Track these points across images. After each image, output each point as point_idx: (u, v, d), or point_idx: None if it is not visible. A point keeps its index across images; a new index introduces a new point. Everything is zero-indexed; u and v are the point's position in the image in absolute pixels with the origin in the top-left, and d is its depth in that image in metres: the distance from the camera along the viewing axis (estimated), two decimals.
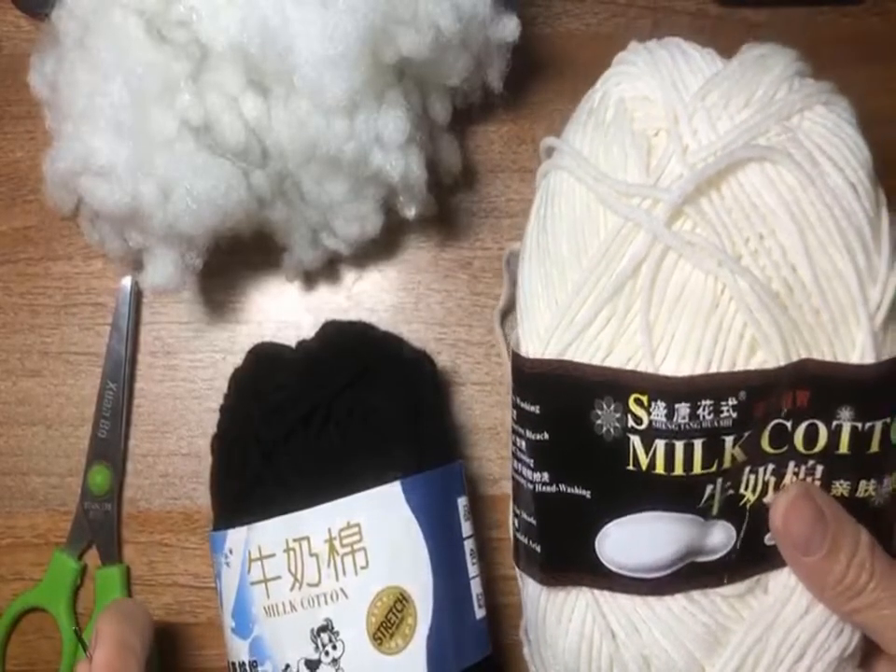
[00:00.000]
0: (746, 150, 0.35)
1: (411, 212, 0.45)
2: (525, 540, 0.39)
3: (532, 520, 0.39)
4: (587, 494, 0.36)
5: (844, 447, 0.36)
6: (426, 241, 0.50)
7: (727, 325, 0.35)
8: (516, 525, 0.40)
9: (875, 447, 0.36)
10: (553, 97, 0.50)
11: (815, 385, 0.35)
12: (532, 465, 0.38)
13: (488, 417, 0.49)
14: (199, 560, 0.48)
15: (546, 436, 0.37)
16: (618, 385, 0.35)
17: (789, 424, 0.35)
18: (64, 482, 0.49)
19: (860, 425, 0.35)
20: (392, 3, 0.40)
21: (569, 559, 0.37)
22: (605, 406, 0.35)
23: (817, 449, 0.36)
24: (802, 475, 0.36)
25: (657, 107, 0.36)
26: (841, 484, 0.36)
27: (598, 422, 0.36)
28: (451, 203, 0.49)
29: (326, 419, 0.41)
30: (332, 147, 0.41)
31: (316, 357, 0.43)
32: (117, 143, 0.41)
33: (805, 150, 0.35)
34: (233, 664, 0.41)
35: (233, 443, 0.42)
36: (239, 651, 0.41)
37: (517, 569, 0.41)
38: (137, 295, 0.49)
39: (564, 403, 0.37)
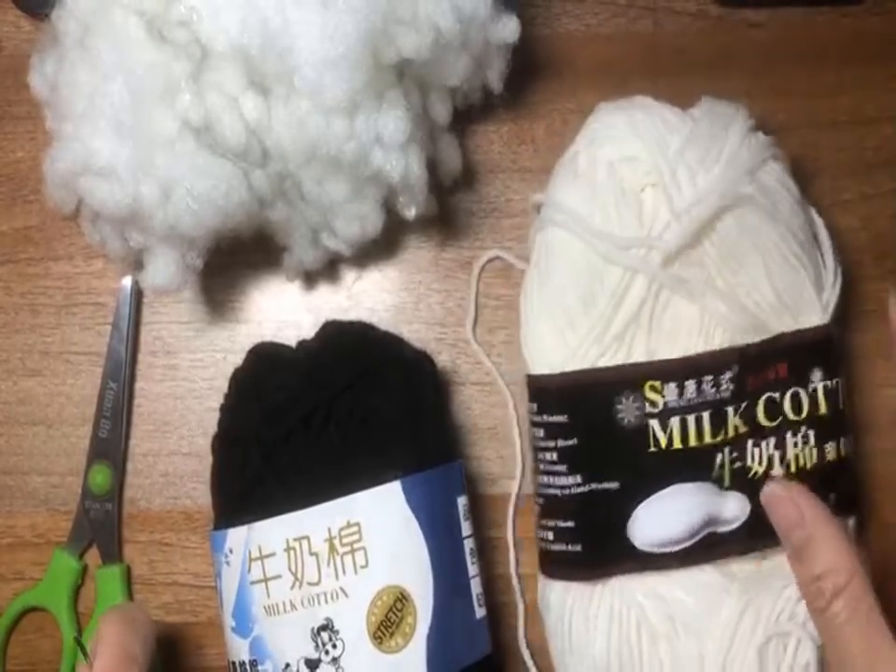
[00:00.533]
0: (725, 199, 0.41)
1: (411, 212, 0.45)
2: (563, 546, 0.43)
3: (570, 523, 0.42)
4: (617, 485, 0.42)
5: (823, 407, 0.42)
6: (426, 241, 0.50)
7: (715, 340, 0.42)
8: (550, 537, 0.43)
9: (842, 404, 0.43)
10: (552, 97, 0.50)
11: (790, 355, 0.42)
12: (565, 471, 0.42)
13: (488, 417, 0.49)
14: (199, 559, 0.48)
15: (575, 441, 0.42)
16: (634, 377, 0.41)
17: (777, 395, 0.42)
18: (65, 481, 0.49)
19: (829, 382, 0.43)
20: (392, 4, 0.40)
21: (607, 551, 0.42)
22: (624, 399, 0.41)
23: (804, 414, 0.42)
24: (800, 444, 0.42)
25: (643, 166, 0.42)
26: (830, 447, 0.42)
27: (620, 415, 0.41)
28: (451, 202, 0.50)
29: (326, 419, 0.41)
30: (332, 148, 0.41)
31: (317, 357, 0.43)
32: (117, 143, 0.41)
33: (766, 196, 0.42)
34: (234, 663, 0.41)
35: (234, 443, 0.42)
36: (239, 650, 0.41)
37: (541, 580, 0.44)
38: (138, 295, 0.49)
39: (589, 406, 0.42)
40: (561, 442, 0.42)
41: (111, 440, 0.48)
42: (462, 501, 0.43)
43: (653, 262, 0.41)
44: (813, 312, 0.43)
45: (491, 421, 0.49)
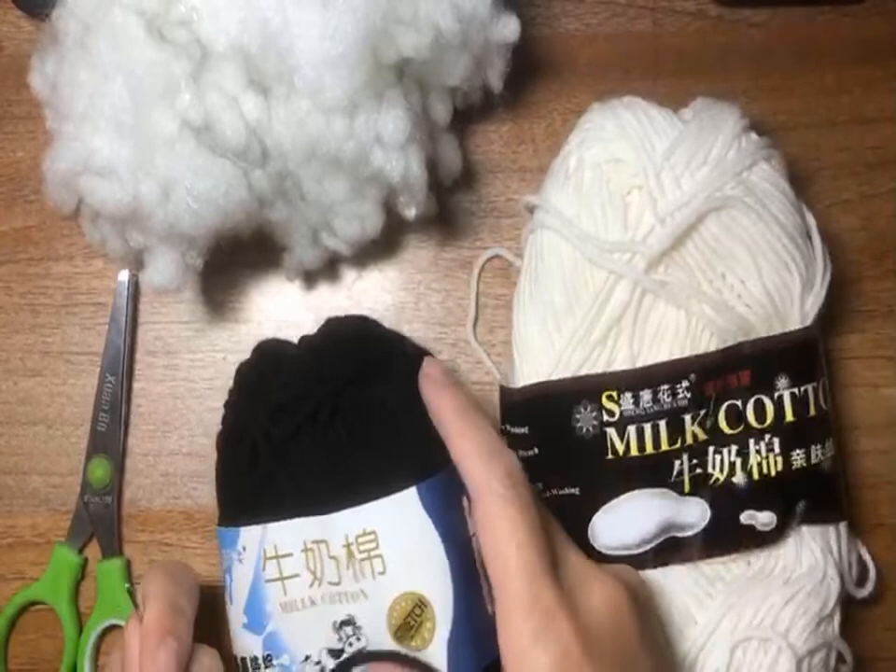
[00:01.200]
0: (709, 202, 0.41)
1: (411, 212, 0.45)
2: None
3: None
4: (576, 491, 0.42)
5: (789, 415, 0.42)
6: (426, 241, 0.50)
7: (701, 344, 0.42)
8: None
9: (812, 411, 0.42)
10: (552, 97, 0.50)
11: (753, 363, 0.42)
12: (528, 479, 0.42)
13: (488, 417, 0.49)
14: (199, 559, 0.48)
15: (536, 451, 0.43)
16: (591, 388, 0.42)
17: (739, 402, 0.42)
18: (65, 481, 0.49)
19: (797, 390, 0.42)
20: (392, 3, 0.40)
21: None
22: (582, 409, 0.42)
23: (768, 422, 0.42)
24: (763, 451, 0.42)
25: (629, 168, 0.42)
26: (798, 454, 0.42)
27: (578, 425, 0.42)
28: (451, 202, 0.50)
29: (333, 414, 0.40)
30: (332, 147, 0.41)
31: (320, 351, 0.43)
32: (117, 143, 0.41)
33: (755, 196, 0.42)
34: (243, 659, 0.41)
35: (241, 440, 0.42)
36: (251, 646, 0.40)
37: None
38: (135, 289, 0.49)
39: (548, 418, 0.43)
40: (522, 453, 0.43)
41: (110, 433, 0.48)
42: (465, 501, 0.43)
43: (637, 267, 0.41)
44: (796, 316, 0.43)
45: (491, 421, 0.48)
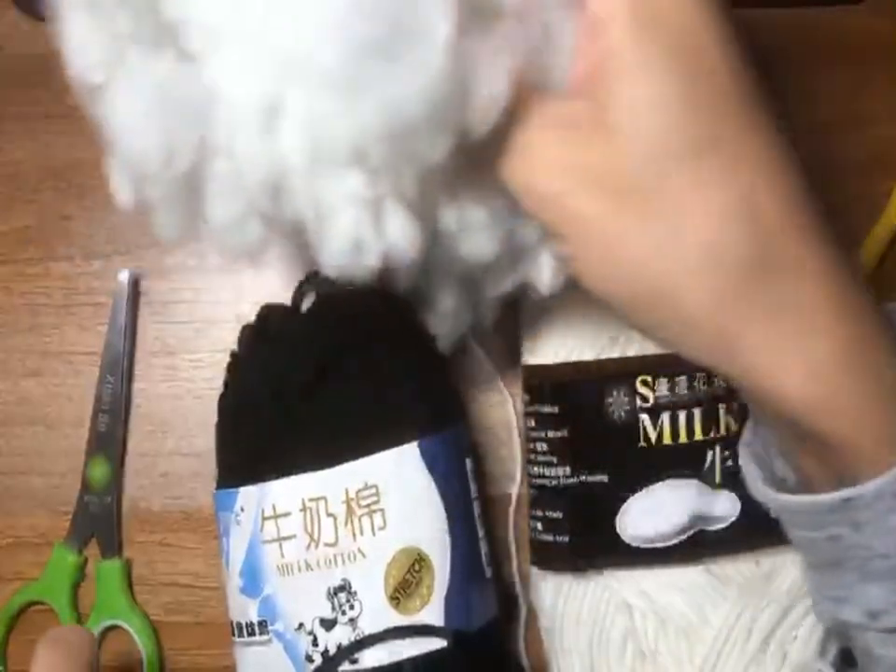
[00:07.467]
0: None
1: None
2: (551, 537, 0.43)
3: (558, 514, 0.43)
4: (605, 478, 0.42)
5: None
6: None
7: None
8: (539, 527, 0.44)
9: None
10: None
11: None
12: (555, 461, 0.43)
13: (488, 417, 0.49)
14: (199, 560, 0.48)
15: (566, 432, 0.42)
16: (626, 371, 0.42)
17: None
18: (65, 481, 0.49)
19: None
20: None
21: (595, 544, 0.42)
22: (615, 393, 0.41)
23: None
24: None
25: None
26: None
27: (611, 409, 0.42)
28: None
29: (340, 373, 0.41)
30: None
31: (327, 312, 0.43)
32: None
33: None
34: (238, 624, 0.41)
35: (247, 400, 0.42)
36: (246, 610, 0.40)
37: (534, 575, 0.45)
38: (135, 289, 0.49)
39: (579, 399, 0.42)
40: (551, 433, 0.42)
41: (109, 433, 0.48)
42: (469, 463, 0.43)
43: None
44: None
45: (491, 421, 0.49)
